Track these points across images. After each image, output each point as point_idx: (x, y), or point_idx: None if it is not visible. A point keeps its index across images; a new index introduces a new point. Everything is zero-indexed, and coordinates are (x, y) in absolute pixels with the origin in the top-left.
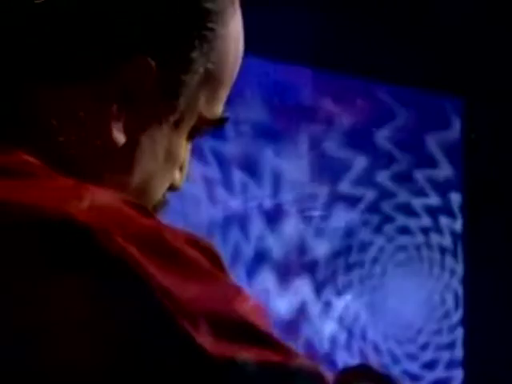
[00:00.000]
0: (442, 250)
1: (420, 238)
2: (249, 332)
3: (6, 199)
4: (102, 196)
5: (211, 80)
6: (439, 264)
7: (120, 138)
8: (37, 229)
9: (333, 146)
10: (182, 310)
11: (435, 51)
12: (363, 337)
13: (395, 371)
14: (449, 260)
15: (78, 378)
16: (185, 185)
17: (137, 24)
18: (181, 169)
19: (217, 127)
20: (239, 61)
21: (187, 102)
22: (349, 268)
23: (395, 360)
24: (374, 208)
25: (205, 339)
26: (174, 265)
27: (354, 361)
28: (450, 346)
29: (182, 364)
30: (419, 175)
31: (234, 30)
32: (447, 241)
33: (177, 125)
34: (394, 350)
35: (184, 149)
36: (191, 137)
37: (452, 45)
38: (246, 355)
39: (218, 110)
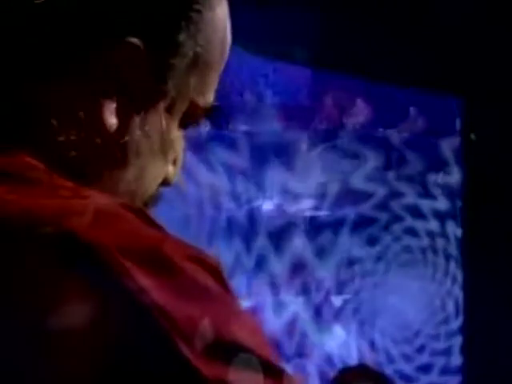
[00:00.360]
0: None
1: (426, 241)
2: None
3: (9, 206)
4: (101, 205)
5: (200, 64)
6: (443, 269)
7: (112, 122)
8: (38, 241)
9: (332, 146)
10: (177, 329)
11: (435, 51)
12: (361, 335)
13: (389, 371)
14: (452, 266)
15: None
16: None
17: (126, 7)
18: (174, 162)
19: (208, 116)
20: (227, 49)
21: (178, 87)
22: (350, 264)
23: (390, 359)
24: (383, 206)
25: (200, 361)
26: (171, 281)
27: (352, 359)
28: (447, 351)
29: None
30: (420, 176)
31: (220, 17)
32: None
33: (169, 111)
34: (390, 350)
35: (177, 140)
36: (184, 125)
37: (452, 45)
38: (241, 380)
39: (209, 97)
